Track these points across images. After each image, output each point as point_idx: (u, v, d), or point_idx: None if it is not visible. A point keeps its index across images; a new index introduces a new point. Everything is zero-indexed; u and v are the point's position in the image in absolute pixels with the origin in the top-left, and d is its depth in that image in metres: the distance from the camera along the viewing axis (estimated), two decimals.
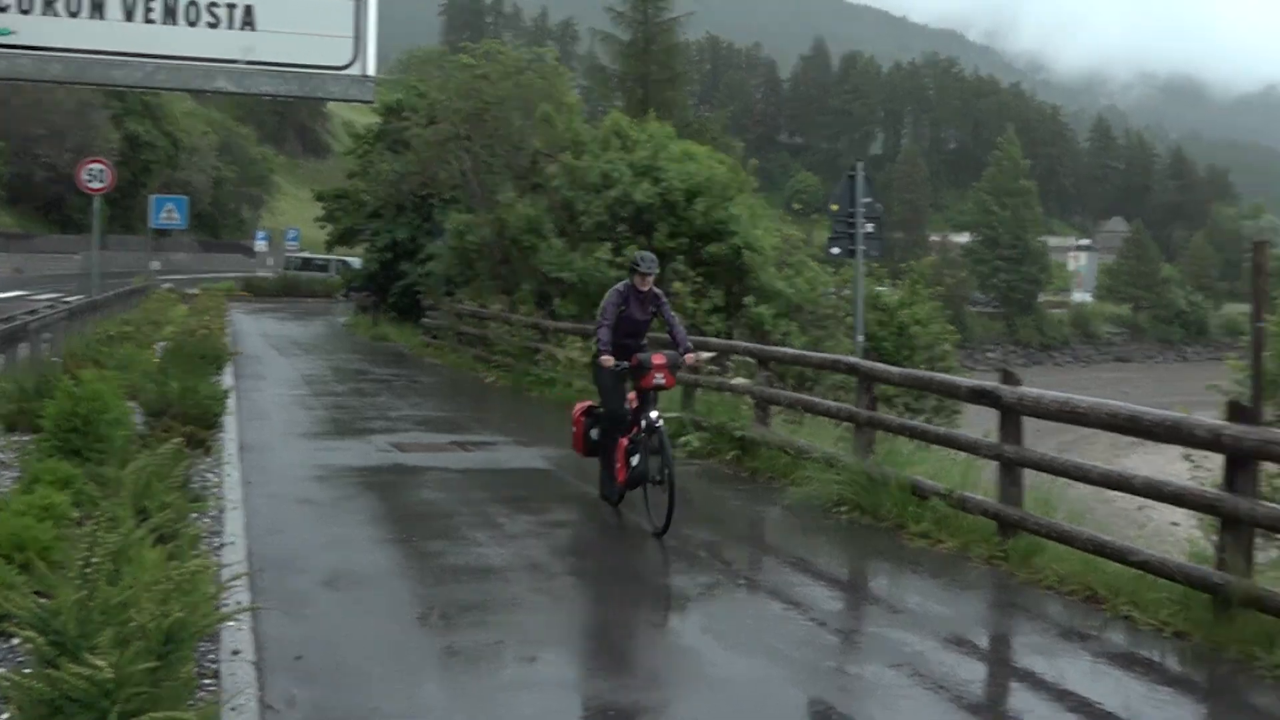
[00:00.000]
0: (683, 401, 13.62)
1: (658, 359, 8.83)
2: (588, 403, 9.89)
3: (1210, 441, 6.54)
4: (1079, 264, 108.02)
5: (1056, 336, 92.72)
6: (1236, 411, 6.37)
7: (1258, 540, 6.54)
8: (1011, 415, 8.13)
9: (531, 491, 10.45)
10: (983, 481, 8.82)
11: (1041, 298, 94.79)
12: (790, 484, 10.31)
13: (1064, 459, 8.03)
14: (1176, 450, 9.91)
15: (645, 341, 9.39)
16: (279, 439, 12.96)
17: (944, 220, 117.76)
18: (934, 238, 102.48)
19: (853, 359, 11.77)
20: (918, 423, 11.80)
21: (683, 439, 12.48)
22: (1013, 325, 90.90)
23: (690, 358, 9.19)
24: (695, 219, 20.69)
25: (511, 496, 10.08)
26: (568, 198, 21.92)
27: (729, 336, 18.52)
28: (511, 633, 6.27)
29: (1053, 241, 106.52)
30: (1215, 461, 7.80)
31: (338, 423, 14.71)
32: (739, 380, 12.72)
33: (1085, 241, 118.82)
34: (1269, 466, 8.24)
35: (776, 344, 14.82)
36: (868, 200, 15.08)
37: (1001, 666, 6.30)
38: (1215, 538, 6.60)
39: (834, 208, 15.25)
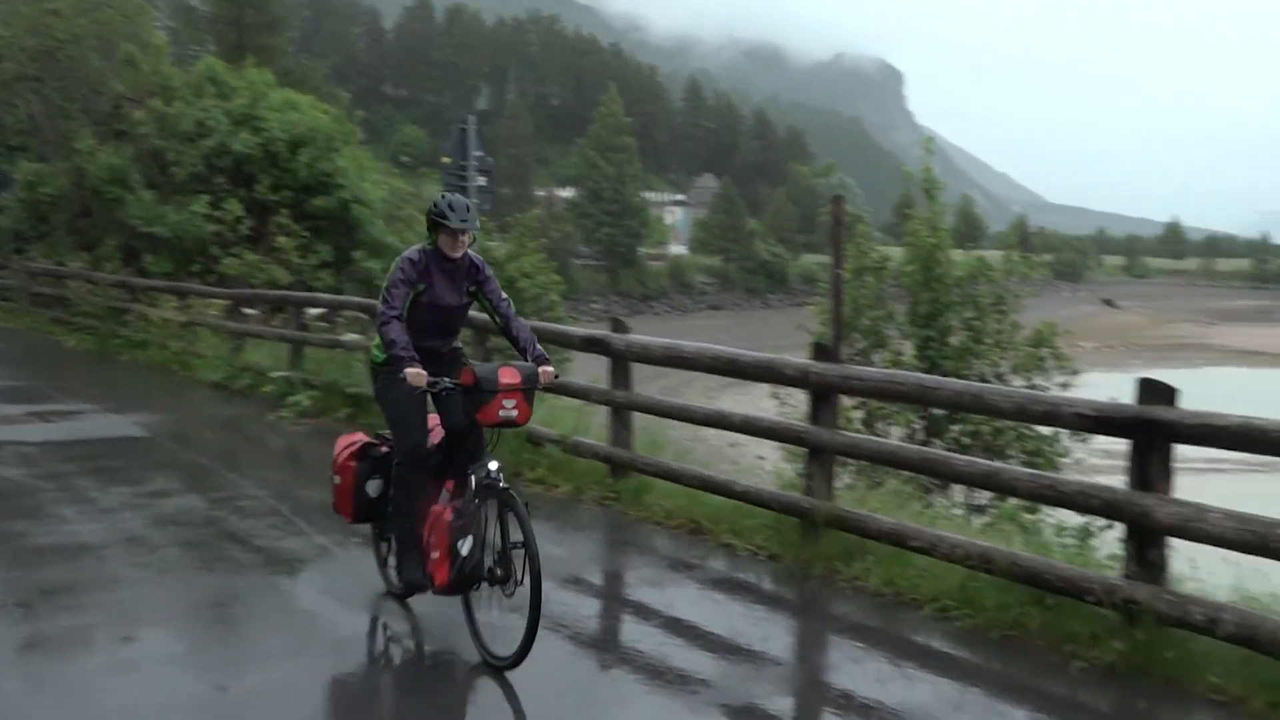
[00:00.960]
0: (290, 359, 13.16)
1: (508, 375, 5.30)
2: (358, 437, 6.31)
3: (799, 379, 7.12)
4: (675, 218, 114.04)
5: (656, 287, 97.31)
6: (820, 352, 6.97)
7: (837, 467, 7.21)
8: (621, 362, 8.46)
9: (126, 461, 9.71)
10: (594, 426, 9.14)
11: (642, 250, 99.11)
12: None
13: (670, 401, 8.47)
14: (762, 390, 10.72)
15: (458, 343, 6.07)
16: None
17: (549, 175, 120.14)
18: (540, 193, 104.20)
19: None
20: None
21: (292, 398, 12.06)
22: (616, 277, 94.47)
23: (548, 372, 5.56)
24: (300, 171, 19.97)
25: (103, 468, 9.32)
26: (158, 146, 20.48)
27: (339, 292, 18.05)
28: (108, 613, 5.82)
29: (651, 197, 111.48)
30: (798, 399, 8.52)
31: None
32: (351, 336, 12.42)
33: (680, 197, 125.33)
34: (845, 400, 9.06)
35: None
36: (479, 154, 15.08)
37: (616, 601, 6.58)
38: (802, 466, 7.20)
39: (446, 160, 15.13)
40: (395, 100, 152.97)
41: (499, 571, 5.28)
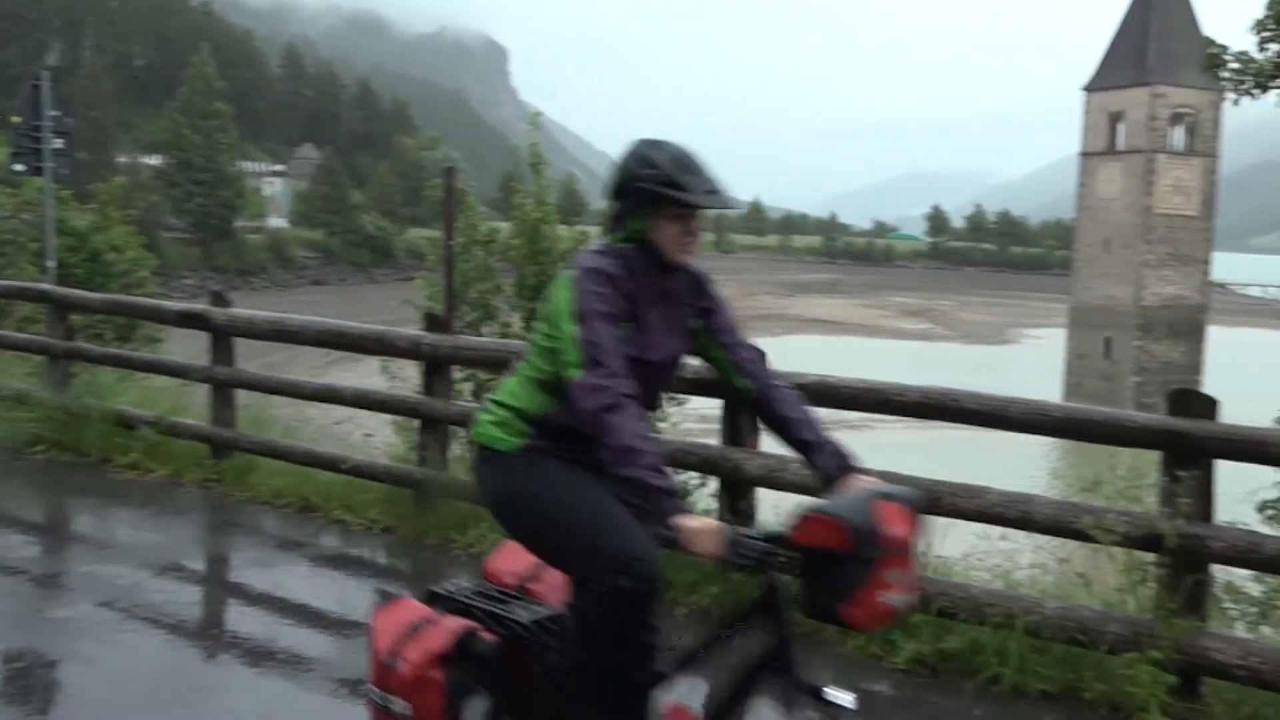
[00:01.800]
0: None
1: (896, 519, 2.59)
2: (419, 612, 3.43)
3: (411, 350, 7.09)
4: (274, 190, 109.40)
5: (254, 262, 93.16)
6: (432, 322, 6.99)
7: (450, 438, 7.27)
8: (223, 337, 8.08)
9: None
10: (194, 406, 8.69)
11: (238, 223, 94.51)
12: None
13: (277, 377, 8.21)
14: (371, 365, 10.60)
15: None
16: None
17: (133, 141, 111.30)
18: (122, 159, 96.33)
19: (44, 286, 10.83)
20: (122, 351, 11.25)
21: None
22: (209, 251, 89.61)
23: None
24: None
25: None
26: None
27: None
28: None
29: (248, 166, 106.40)
30: (409, 373, 8.50)
31: None
32: None
33: (279, 168, 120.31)
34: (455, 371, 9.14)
35: None
36: (56, 114, 13.81)
37: (221, 585, 6.30)
38: (416, 438, 7.20)
39: (16, 120, 13.74)
40: None
41: None
